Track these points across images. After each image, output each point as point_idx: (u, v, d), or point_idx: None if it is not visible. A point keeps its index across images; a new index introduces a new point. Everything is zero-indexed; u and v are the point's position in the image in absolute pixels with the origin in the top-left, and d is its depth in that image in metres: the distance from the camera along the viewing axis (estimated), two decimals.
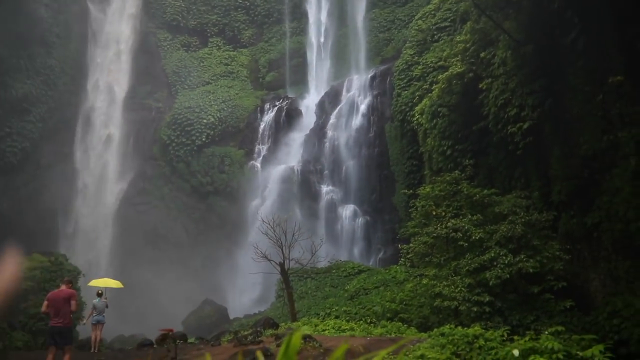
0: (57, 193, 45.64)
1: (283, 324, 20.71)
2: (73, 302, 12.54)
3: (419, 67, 35.45)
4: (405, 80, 36.38)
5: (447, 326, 12.50)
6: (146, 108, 51.74)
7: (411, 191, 27.05)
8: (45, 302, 12.59)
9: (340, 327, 18.23)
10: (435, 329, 13.52)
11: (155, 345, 19.93)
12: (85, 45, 51.36)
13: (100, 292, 20.24)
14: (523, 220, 18.00)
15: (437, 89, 27.50)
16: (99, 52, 52.36)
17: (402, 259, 25.76)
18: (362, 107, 41.73)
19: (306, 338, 14.42)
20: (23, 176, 44.44)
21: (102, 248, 46.55)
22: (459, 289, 17.17)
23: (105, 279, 23.71)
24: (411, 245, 21.84)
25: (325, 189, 40.73)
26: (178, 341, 18.38)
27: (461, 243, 18.53)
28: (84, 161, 49.23)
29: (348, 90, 43.94)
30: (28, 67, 45.44)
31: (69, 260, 31.78)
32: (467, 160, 23.97)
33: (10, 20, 42.58)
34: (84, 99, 50.39)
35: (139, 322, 35.33)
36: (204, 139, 47.32)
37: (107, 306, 20.08)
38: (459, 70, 25.01)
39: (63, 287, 12.97)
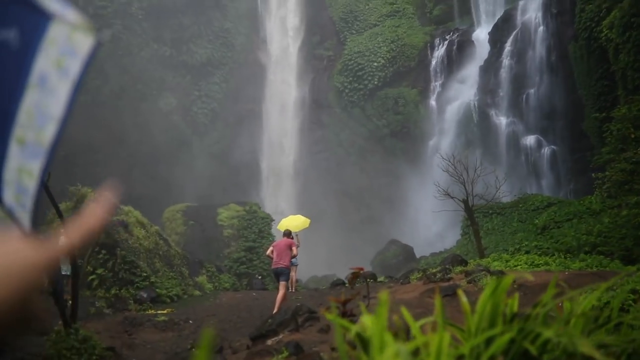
0: (245, 148, 48.94)
1: (471, 260, 20.43)
2: (294, 248, 15.43)
3: None
4: None
5: None
6: (317, 58, 52.87)
7: (603, 114, 24.92)
8: (271, 249, 15.62)
9: (533, 262, 17.56)
10: None
11: (347, 284, 20.78)
12: (256, 3, 53.46)
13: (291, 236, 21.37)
14: None
15: None
16: (269, 8, 54.18)
17: (596, 189, 23.97)
18: (540, 30, 38.63)
19: (498, 274, 14.11)
20: (214, 135, 48.35)
21: (288, 195, 49.27)
22: None
23: (291, 217, 22.78)
24: (607, 173, 20.20)
25: (505, 120, 38.83)
26: (369, 280, 19.01)
27: None
28: (266, 117, 51.93)
29: (523, 14, 40.83)
30: (208, 32, 48.78)
31: (261, 208, 34.20)
32: None
33: None
34: (259, 56, 52.83)
35: (329, 264, 37.14)
36: (376, 82, 47.40)
37: (298, 245, 21.24)
38: None
39: (285, 238, 15.92)
